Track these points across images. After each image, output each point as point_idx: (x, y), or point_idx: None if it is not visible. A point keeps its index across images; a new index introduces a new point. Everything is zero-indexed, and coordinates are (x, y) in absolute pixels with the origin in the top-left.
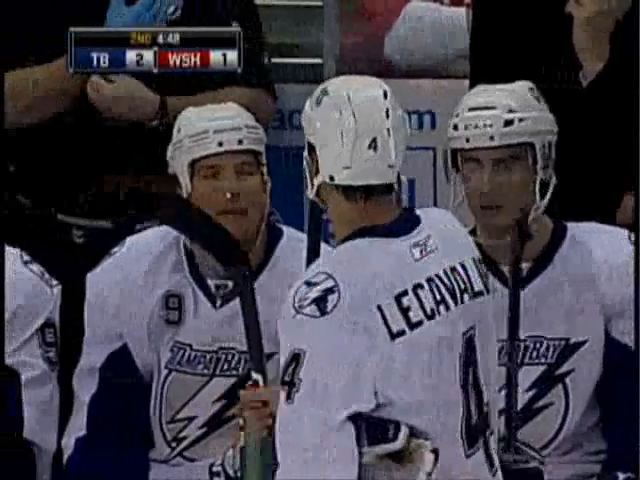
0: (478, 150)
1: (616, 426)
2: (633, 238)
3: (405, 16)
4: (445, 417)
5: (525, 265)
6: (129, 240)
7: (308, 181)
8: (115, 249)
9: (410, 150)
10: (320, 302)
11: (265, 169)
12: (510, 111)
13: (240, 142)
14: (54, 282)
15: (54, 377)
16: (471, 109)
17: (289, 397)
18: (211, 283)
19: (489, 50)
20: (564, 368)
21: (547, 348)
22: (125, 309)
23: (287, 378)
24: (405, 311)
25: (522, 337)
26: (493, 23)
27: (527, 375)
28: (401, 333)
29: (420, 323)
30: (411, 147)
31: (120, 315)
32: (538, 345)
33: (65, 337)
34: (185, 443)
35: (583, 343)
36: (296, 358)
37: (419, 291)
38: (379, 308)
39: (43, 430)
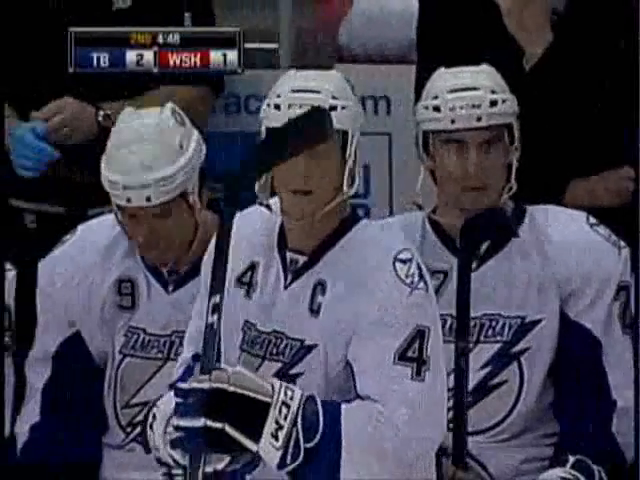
0: (463, 132)
1: (568, 407)
2: (591, 220)
3: (358, 3)
4: None
5: (483, 244)
6: (81, 227)
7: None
8: (67, 237)
9: (366, 135)
10: (423, 278)
11: (186, 209)
12: (492, 92)
13: (148, 199)
14: (9, 266)
15: (8, 362)
16: (452, 90)
17: (419, 374)
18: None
19: (435, 36)
20: (519, 346)
21: (503, 326)
22: (77, 297)
23: (413, 354)
24: None
25: (478, 315)
26: (438, 9)
27: (482, 353)
28: None
29: None
30: (367, 132)
31: (72, 303)
32: (494, 323)
33: (20, 322)
34: (140, 428)
35: (539, 322)
36: (421, 334)
37: None
38: None
39: None
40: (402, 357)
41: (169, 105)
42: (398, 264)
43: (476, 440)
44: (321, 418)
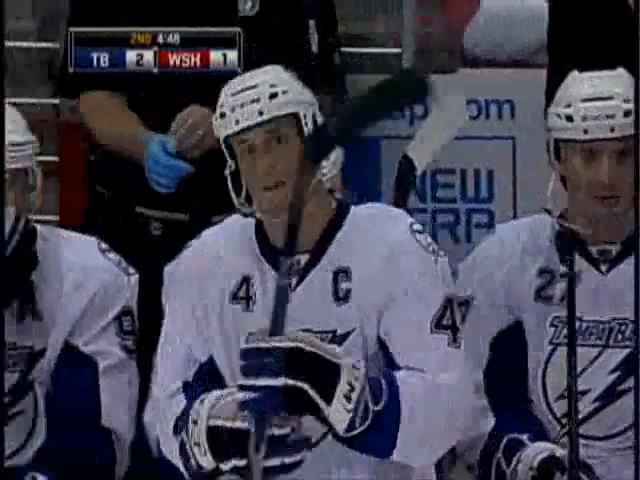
0: (595, 142)
1: None
2: None
3: (485, 7)
4: None
5: (614, 248)
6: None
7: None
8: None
9: (489, 140)
10: (439, 248)
11: None
12: (626, 101)
13: None
14: (131, 270)
15: (132, 365)
16: (586, 100)
17: (455, 340)
18: None
19: (567, 38)
20: None
21: (632, 331)
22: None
23: (447, 322)
24: None
25: (607, 319)
26: (571, 11)
27: (611, 358)
28: None
29: None
30: (490, 136)
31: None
32: (623, 328)
33: (143, 327)
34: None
35: None
36: (451, 302)
37: None
38: None
39: (121, 418)
40: (438, 325)
41: None
42: (417, 234)
43: (600, 446)
44: (383, 382)
